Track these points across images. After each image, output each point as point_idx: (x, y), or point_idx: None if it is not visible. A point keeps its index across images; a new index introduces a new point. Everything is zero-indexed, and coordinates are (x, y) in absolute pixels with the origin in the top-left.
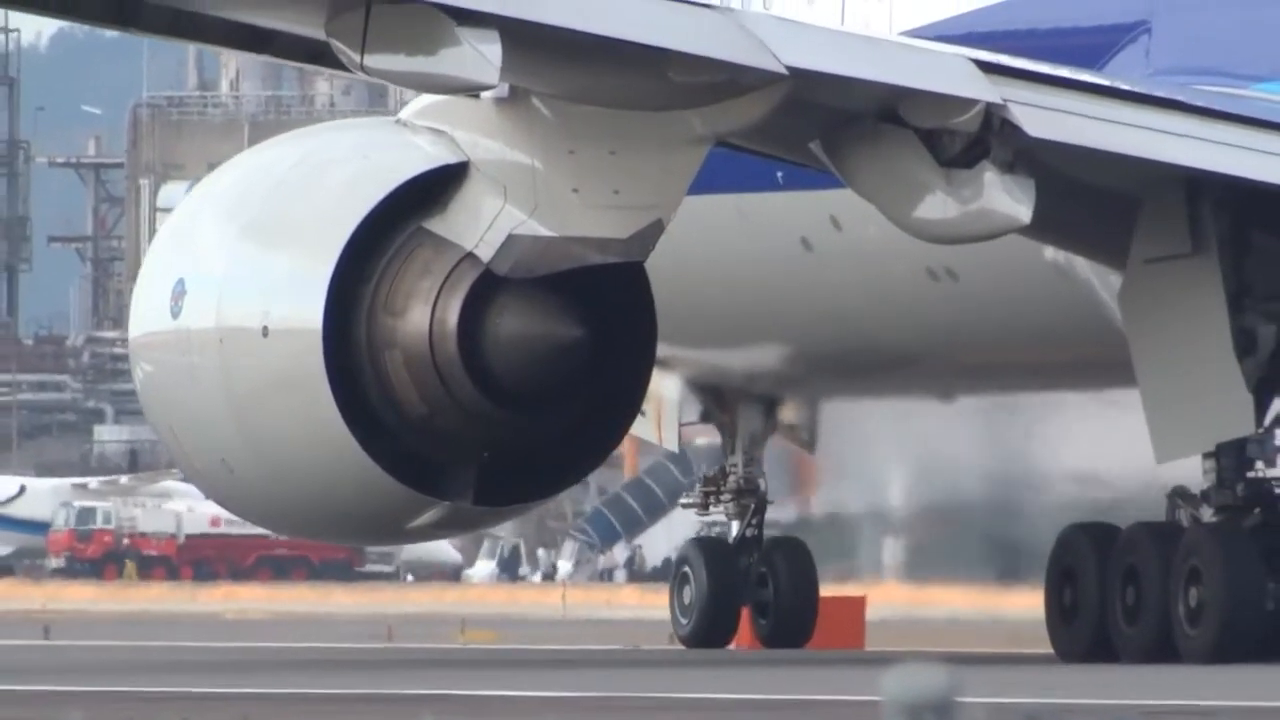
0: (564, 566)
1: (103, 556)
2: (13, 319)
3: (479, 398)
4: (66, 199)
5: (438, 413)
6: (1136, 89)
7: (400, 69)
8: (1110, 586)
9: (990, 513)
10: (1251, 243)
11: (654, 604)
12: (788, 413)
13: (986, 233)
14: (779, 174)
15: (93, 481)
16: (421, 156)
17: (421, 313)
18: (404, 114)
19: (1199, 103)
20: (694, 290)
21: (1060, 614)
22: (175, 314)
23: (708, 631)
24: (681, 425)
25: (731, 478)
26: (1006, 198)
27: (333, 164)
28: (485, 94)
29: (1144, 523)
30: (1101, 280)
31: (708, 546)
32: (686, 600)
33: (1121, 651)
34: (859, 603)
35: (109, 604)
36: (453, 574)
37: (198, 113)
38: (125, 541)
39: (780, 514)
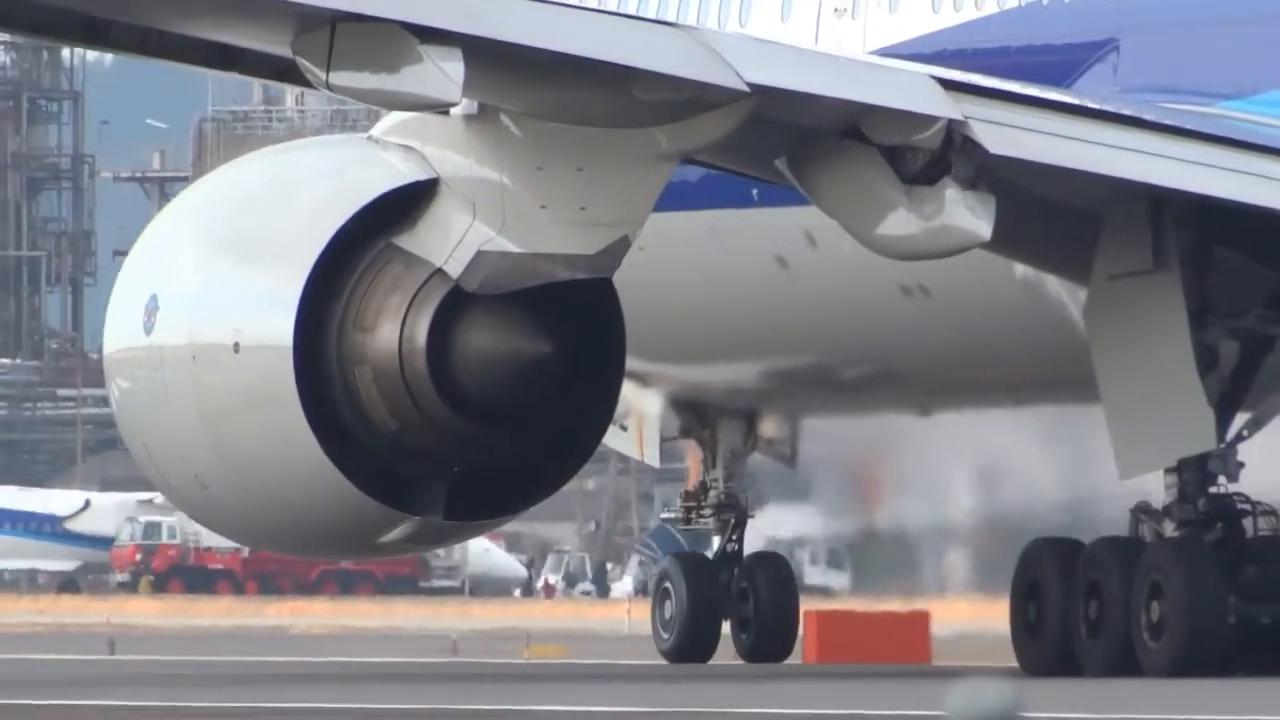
0: (626, 581)
1: (167, 571)
2: (78, 333)
3: (448, 413)
4: (131, 213)
5: (408, 428)
6: (1097, 106)
7: (364, 86)
8: (1074, 601)
9: (1058, 526)
10: (1213, 259)
11: None
12: (768, 427)
13: (948, 249)
14: (754, 191)
15: (158, 496)
16: (391, 173)
17: (391, 329)
18: (375, 131)
19: (1161, 120)
20: (673, 307)
21: (1025, 628)
22: (148, 330)
23: (689, 646)
24: (663, 440)
25: (713, 492)
26: (968, 214)
27: (304, 181)
28: (455, 111)
29: (1107, 538)
30: (1070, 296)
31: (688, 561)
32: (668, 615)
33: (1085, 665)
34: (924, 618)
35: (174, 619)
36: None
37: (262, 127)
38: (190, 557)
39: (842, 527)
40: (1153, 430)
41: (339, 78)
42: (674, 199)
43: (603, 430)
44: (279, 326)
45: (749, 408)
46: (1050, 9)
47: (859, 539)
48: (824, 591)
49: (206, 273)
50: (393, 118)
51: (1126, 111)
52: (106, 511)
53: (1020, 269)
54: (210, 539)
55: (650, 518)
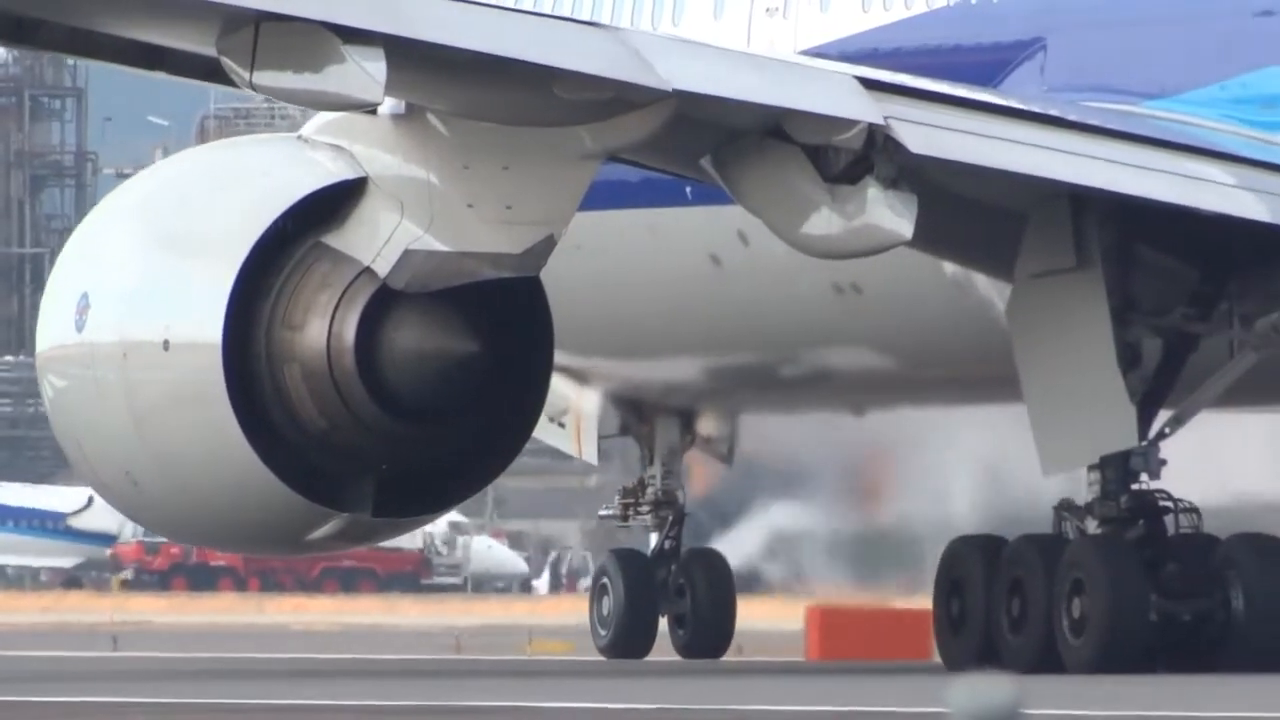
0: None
1: (170, 569)
2: None
3: (376, 411)
4: None
5: (336, 426)
6: (1021, 106)
7: (287, 86)
8: (996, 598)
9: None
10: (1136, 257)
11: None
12: (705, 425)
13: (870, 248)
14: (688, 189)
15: None
16: (320, 172)
17: (319, 327)
18: (305, 130)
19: (1083, 119)
20: (610, 305)
21: (949, 624)
22: (80, 328)
23: (626, 642)
24: (601, 438)
25: (650, 489)
26: (889, 213)
27: (234, 180)
28: (382, 110)
29: (1029, 535)
30: (999, 295)
31: (625, 558)
32: (605, 611)
33: (1007, 662)
34: (926, 614)
35: (176, 616)
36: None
37: (265, 124)
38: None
39: (845, 523)
40: (1075, 428)
41: (262, 77)
42: (611, 197)
43: (531, 426)
44: (208, 324)
45: (686, 405)
46: (978, 9)
47: (862, 535)
48: (827, 588)
49: (137, 270)
50: (322, 117)
51: (1050, 111)
52: (109, 509)
53: (949, 268)
54: None
55: None
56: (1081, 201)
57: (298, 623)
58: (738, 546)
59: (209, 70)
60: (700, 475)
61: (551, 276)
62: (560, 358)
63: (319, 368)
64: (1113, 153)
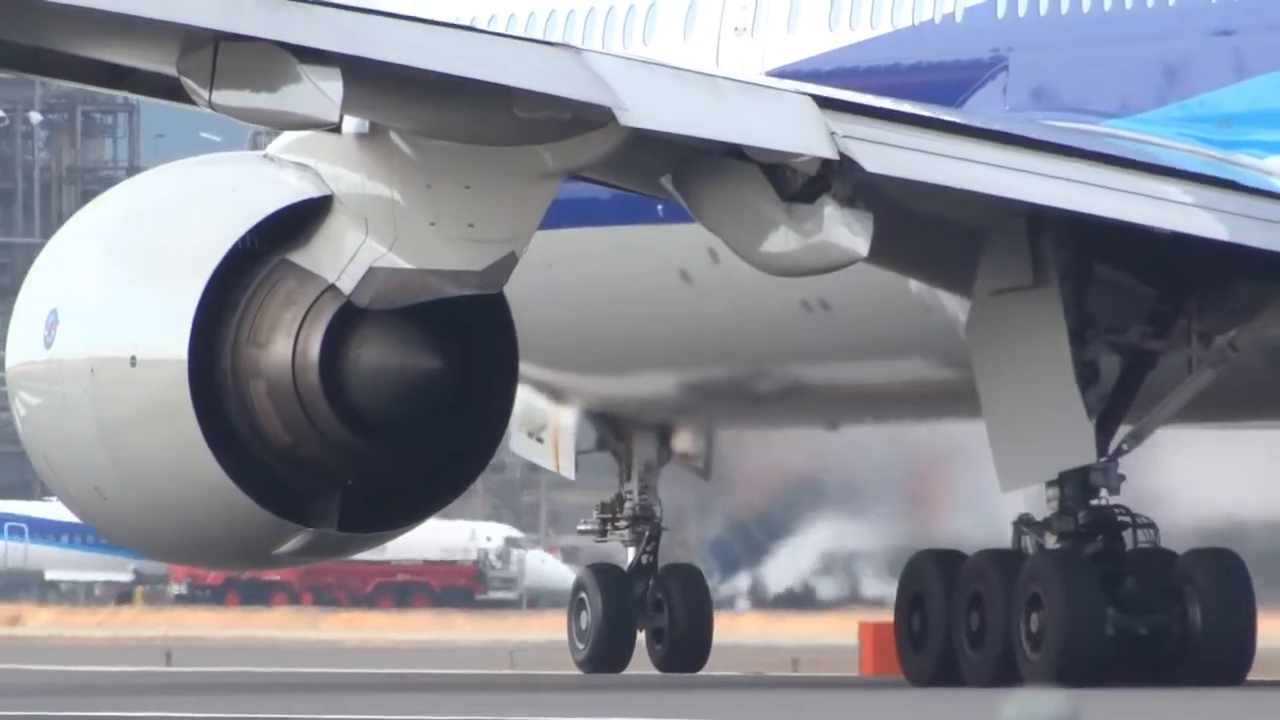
0: None
1: (224, 583)
2: None
3: (340, 427)
4: None
5: (301, 442)
6: (977, 124)
7: (245, 105)
8: (956, 612)
9: None
10: (1093, 274)
11: (776, 630)
12: (682, 440)
13: (826, 265)
14: (660, 207)
15: None
16: (286, 190)
17: (284, 344)
18: (272, 148)
19: (1040, 137)
20: (583, 322)
21: (910, 639)
22: (48, 344)
23: (604, 656)
24: (578, 453)
25: (627, 505)
26: (845, 231)
27: (201, 197)
28: (347, 128)
29: (988, 550)
30: (962, 311)
31: (603, 573)
32: (583, 626)
33: (967, 676)
34: None
35: (230, 630)
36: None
37: None
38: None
39: (899, 538)
40: (1033, 444)
41: (221, 97)
42: (583, 214)
43: (496, 441)
44: (174, 341)
45: (662, 421)
46: (942, 28)
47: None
48: (880, 604)
49: (105, 287)
50: (288, 136)
51: (1007, 129)
52: None
53: (915, 284)
54: None
55: (709, 529)
56: (1039, 219)
57: (351, 638)
58: (792, 562)
59: (171, 89)
60: (755, 490)
61: (526, 294)
62: (536, 373)
63: (284, 384)
64: (1069, 171)
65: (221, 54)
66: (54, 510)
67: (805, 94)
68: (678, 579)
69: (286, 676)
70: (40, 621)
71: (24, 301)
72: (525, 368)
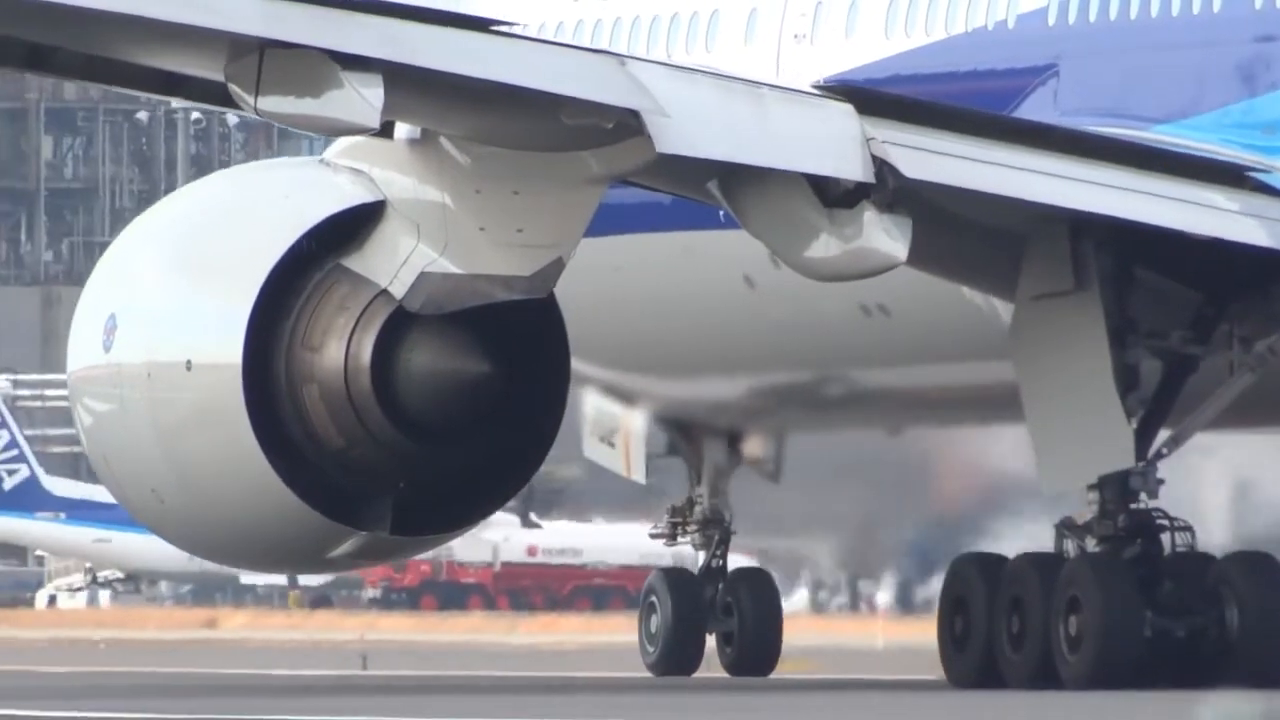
0: (884, 595)
1: (419, 586)
2: None
3: (392, 431)
4: None
5: (354, 445)
6: (1019, 128)
7: (289, 111)
8: (997, 615)
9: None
10: (1134, 279)
11: None
12: (752, 445)
13: (867, 270)
14: (721, 212)
15: None
16: (339, 195)
17: (337, 348)
18: (328, 154)
19: (1083, 142)
20: (650, 327)
21: (952, 641)
22: (107, 348)
23: (674, 659)
24: (649, 458)
25: (697, 509)
26: (885, 236)
27: (256, 203)
28: (399, 134)
29: (1029, 553)
30: (1008, 314)
31: (673, 576)
32: (654, 629)
33: (1008, 678)
34: None
35: (425, 634)
36: None
37: None
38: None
39: None
40: (1074, 447)
41: (266, 102)
42: (649, 220)
43: (548, 445)
44: (229, 345)
45: (732, 425)
46: (995, 35)
47: None
48: None
49: (162, 292)
50: (344, 141)
51: (1051, 134)
52: None
53: (967, 290)
54: (463, 554)
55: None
56: (1080, 224)
57: (547, 642)
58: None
59: (224, 96)
60: (954, 490)
61: (595, 299)
62: (604, 376)
63: (336, 388)
64: (1109, 177)
65: (267, 60)
66: None
67: (846, 101)
68: (747, 583)
69: (482, 680)
70: (235, 624)
71: (84, 306)
72: (594, 371)
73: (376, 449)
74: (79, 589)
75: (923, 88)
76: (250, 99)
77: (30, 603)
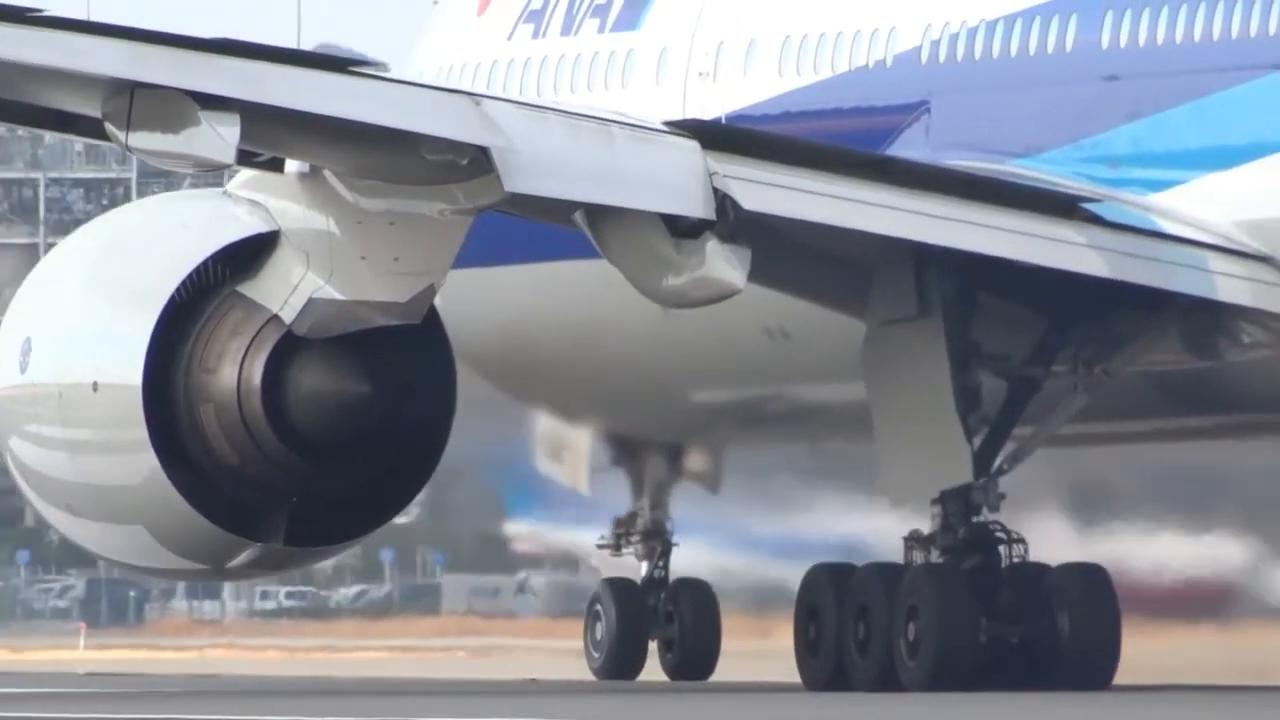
0: None
1: None
2: None
3: (282, 448)
4: None
5: (247, 462)
6: (863, 160)
7: (155, 147)
8: (846, 622)
9: None
10: (976, 305)
11: None
12: (693, 458)
13: (707, 298)
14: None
15: None
16: (237, 226)
17: (231, 370)
18: (230, 186)
19: (929, 176)
20: (580, 355)
21: (806, 646)
22: (23, 369)
23: (618, 665)
24: (593, 471)
25: (640, 520)
26: (725, 265)
27: (161, 232)
28: (289, 168)
29: (875, 563)
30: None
31: (617, 586)
32: (598, 636)
33: (856, 682)
34: None
35: None
36: None
37: None
38: None
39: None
40: (917, 464)
41: (136, 139)
42: (574, 248)
43: (435, 462)
44: (131, 367)
45: (672, 440)
46: (874, 74)
47: None
48: None
49: (72, 316)
50: (245, 174)
51: (893, 165)
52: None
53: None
54: None
55: None
56: (924, 253)
57: None
58: None
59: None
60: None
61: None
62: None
63: (230, 408)
64: (944, 209)
65: (136, 100)
66: None
67: (692, 137)
68: (688, 591)
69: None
70: None
71: (6, 327)
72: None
73: (269, 466)
74: None
75: (810, 123)
76: (123, 135)
77: None
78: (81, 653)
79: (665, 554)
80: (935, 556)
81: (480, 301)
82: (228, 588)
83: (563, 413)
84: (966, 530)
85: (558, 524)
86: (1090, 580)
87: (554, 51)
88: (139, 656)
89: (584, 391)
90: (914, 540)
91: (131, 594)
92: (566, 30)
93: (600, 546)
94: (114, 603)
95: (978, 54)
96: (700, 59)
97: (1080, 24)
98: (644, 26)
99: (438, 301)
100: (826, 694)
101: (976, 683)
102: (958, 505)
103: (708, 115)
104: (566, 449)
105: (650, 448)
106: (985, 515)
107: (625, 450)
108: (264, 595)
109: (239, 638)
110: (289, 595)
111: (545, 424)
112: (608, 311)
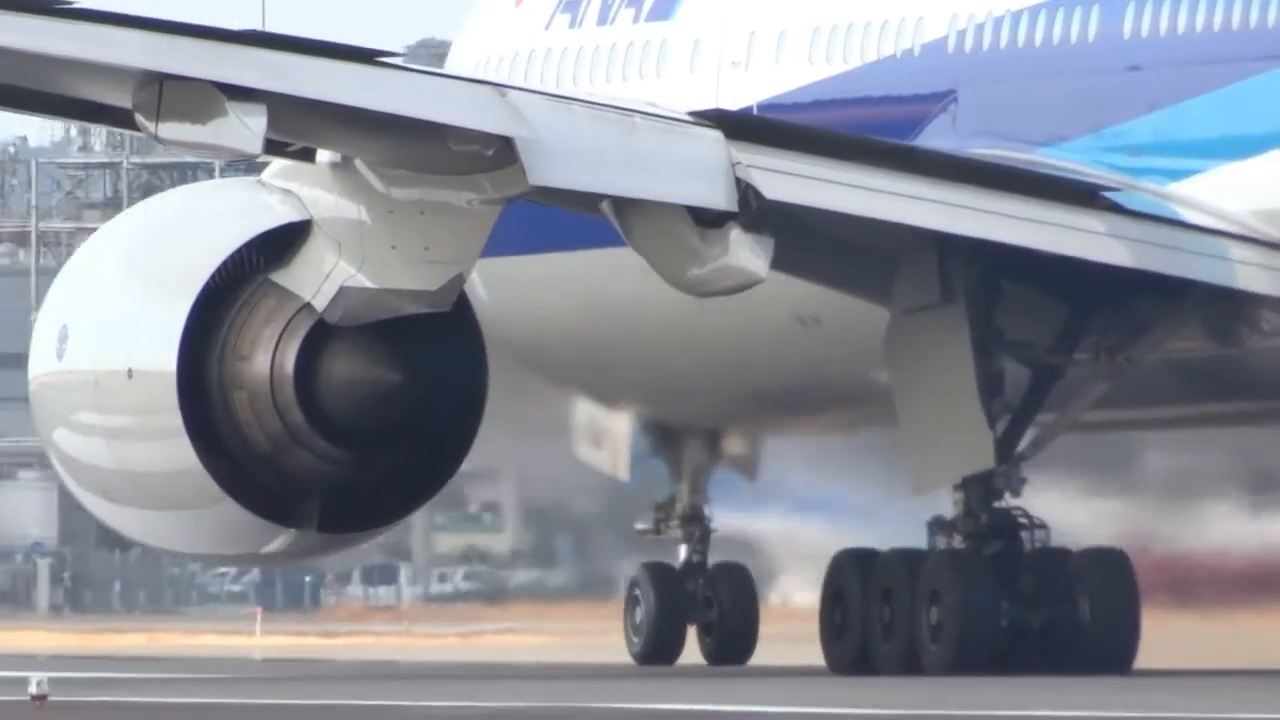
0: None
1: None
2: None
3: (315, 436)
4: None
5: (280, 449)
6: (887, 151)
7: (184, 138)
8: (870, 606)
9: None
10: (1000, 293)
11: None
12: (731, 444)
13: (731, 286)
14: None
15: None
16: (270, 215)
17: (264, 358)
18: (265, 175)
19: (946, 165)
20: (619, 341)
21: (832, 630)
22: (60, 356)
23: (657, 649)
24: (634, 459)
25: (679, 505)
26: (748, 254)
27: (195, 221)
28: (321, 158)
29: (899, 549)
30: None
31: (656, 571)
32: (638, 620)
33: (879, 665)
34: None
35: None
36: None
37: None
38: None
39: None
40: (940, 451)
41: (165, 129)
42: (605, 238)
43: (467, 447)
44: (166, 354)
45: (711, 426)
46: (901, 64)
47: None
48: None
49: (108, 304)
50: (278, 163)
51: (916, 155)
52: None
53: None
54: None
55: None
56: (947, 242)
57: None
58: None
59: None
60: None
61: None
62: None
63: (263, 395)
64: (966, 198)
65: (166, 91)
66: None
67: (716, 128)
68: (726, 576)
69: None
70: None
71: (42, 316)
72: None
73: (301, 453)
74: None
75: (839, 111)
76: (152, 126)
77: None
78: (257, 638)
79: (704, 539)
80: (958, 542)
81: (522, 289)
82: (404, 571)
83: (602, 399)
84: (989, 516)
85: (731, 510)
86: (1111, 565)
87: (590, 42)
88: (313, 644)
89: (623, 377)
90: (937, 525)
91: (307, 579)
92: (603, 20)
93: (641, 532)
94: (289, 588)
95: (1003, 44)
96: (733, 48)
97: (1102, 15)
98: (678, 16)
99: (479, 289)
100: (851, 678)
101: (998, 666)
102: (980, 491)
103: (740, 104)
104: (606, 435)
105: (688, 433)
106: (1007, 501)
107: (664, 437)
108: (441, 578)
109: (415, 624)
110: (466, 577)
111: (585, 411)
112: (646, 298)
